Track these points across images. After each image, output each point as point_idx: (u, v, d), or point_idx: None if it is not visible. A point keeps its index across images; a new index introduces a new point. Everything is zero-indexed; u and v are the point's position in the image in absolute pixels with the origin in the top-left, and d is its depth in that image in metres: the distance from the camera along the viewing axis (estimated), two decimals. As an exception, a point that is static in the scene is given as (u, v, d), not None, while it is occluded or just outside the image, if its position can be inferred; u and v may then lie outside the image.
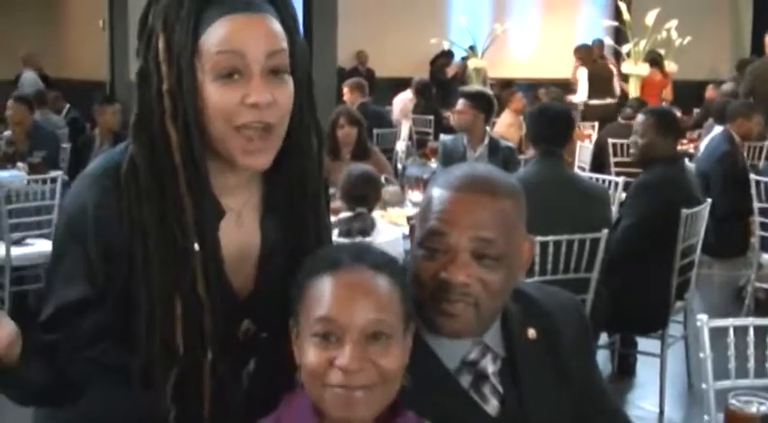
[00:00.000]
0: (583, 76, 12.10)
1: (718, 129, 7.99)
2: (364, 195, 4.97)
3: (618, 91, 12.43)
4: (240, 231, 1.84)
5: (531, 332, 1.93)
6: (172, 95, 1.68)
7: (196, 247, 1.72)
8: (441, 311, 1.79)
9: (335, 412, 1.63)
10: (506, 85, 11.96)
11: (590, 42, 13.64)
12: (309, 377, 1.64)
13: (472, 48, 14.51)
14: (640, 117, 5.46)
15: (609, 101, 11.90)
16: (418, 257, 1.82)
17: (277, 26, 1.72)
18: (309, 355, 1.63)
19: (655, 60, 12.22)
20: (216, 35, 1.67)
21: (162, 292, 1.71)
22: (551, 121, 4.82)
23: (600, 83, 12.04)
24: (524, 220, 1.89)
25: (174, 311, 1.71)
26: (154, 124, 1.70)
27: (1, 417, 2.88)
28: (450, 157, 6.71)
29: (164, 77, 1.68)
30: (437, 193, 1.84)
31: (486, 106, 6.67)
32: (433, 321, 1.80)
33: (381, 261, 1.70)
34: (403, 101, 12.39)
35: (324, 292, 1.64)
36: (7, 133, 8.41)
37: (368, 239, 4.46)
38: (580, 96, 11.63)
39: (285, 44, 1.73)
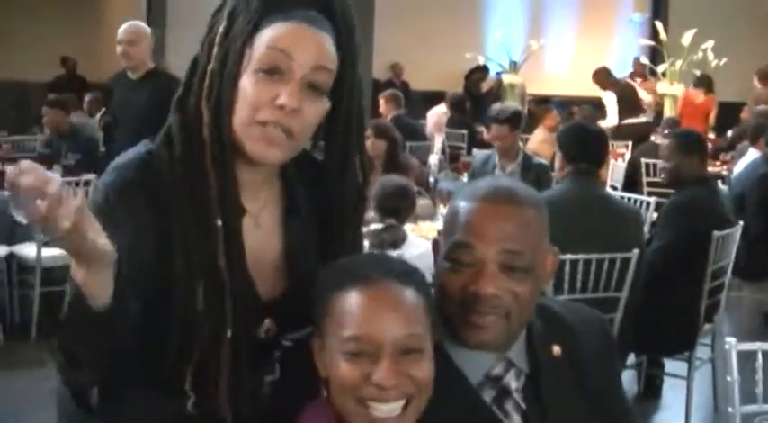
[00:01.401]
0: (610, 100, 11.97)
1: (752, 152, 7.96)
2: (396, 207, 4.98)
3: (646, 105, 12.30)
4: (259, 232, 1.86)
5: (557, 349, 1.92)
6: (212, 76, 1.74)
7: (219, 223, 1.74)
8: (470, 324, 1.79)
9: None
10: (542, 102, 11.94)
11: (631, 60, 13.52)
12: (341, 391, 1.64)
13: (514, 64, 14.49)
14: (665, 141, 5.49)
15: (643, 119, 11.81)
16: (445, 271, 1.83)
17: (331, 46, 1.78)
18: (342, 370, 1.63)
19: (701, 81, 12.06)
20: (273, 32, 1.73)
21: (188, 266, 1.74)
22: (586, 139, 4.82)
23: (628, 102, 11.94)
24: (548, 231, 1.89)
25: (196, 289, 1.74)
26: (190, 104, 1.78)
27: None
28: (480, 174, 6.71)
29: (212, 58, 1.76)
30: (462, 205, 1.85)
31: (517, 122, 6.66)
32: (462, 334, 1.80)
33: (406, 272, 1.71)
34: (437, 115, 12.39)
35: (353, 309, 1.64)
36: (42, 136, 8.50)
37: (398, 252, 4.46)
38: (610, 121, 11.50)
39: (334, 67, 1.78)
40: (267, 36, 1.73)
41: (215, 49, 1.76)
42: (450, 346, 1.82)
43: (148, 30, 6.75)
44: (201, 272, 1.74)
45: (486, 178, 2.01)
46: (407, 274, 1.71)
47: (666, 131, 9.05)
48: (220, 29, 1.76)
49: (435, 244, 1.91)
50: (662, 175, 5.59)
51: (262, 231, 1.88)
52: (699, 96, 12.19)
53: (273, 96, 1.71)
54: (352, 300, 1.65)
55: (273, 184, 1.91)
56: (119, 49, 6.51)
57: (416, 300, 1.67)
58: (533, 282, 1.82)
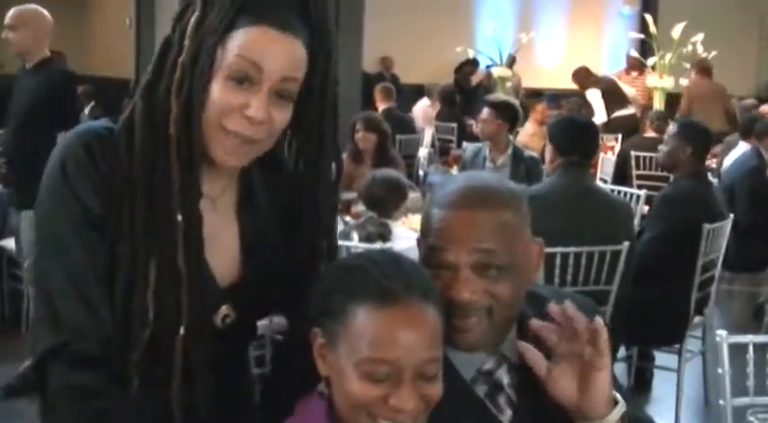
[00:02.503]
0: (595, 97, 11.89)
1: (743, 145, 7.97)
2: (381, 199, 4.97)
3: (630, 98, 12.24)
4: (216, 217, 1.84)
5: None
6: (183, 69, 1.70)
7: (179, 218, 1.72)
8: (454, 328, 1.77)
9: None
10: (534, 95, 11.92)
11: (621, 53, 13.45)
12: (352, 405, 1.62)
13: (510, 57, 14.48)
14: (672, 126, 5.54)
15: (631, 110, 11.79)
16: None
17: (302, 54, 1.74)
18: (355, 386, 1.60)
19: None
20: (245, 38, 1.69)
21: (141, 256, 1.71)
22: (577, 132, 4.82)
23: (613, 95, 11.91)
24: (528, 224, 1.87)
25: (148, 277, 1.71)
26: (159, 95, 1.73)
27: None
28: (470, 167, 6.72)
29: (184, 50, 1.71)
30: (434, 211, 1.83)
31: (510, 116, 6.66)
32: (450, 338, 1.77)
33: (427, 287, 1.67)
34: (422, 108, 12.39)
35: (376, 329, 1.60)
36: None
37: (388, 245, 4.46)
38: (599, 117, 11.43)
39: (301, 74, 1.75)
40: (238, 42, 1.68)
41: (187, 41, 1.71)
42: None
43: (40, 14, 5.99)
44: (155, 265, 1.72)
45: (457, 178, 1.99)
46: (428, 290, 1.66)
47: (656, 123, 9.07)
48: (193, 18, 1.72)
49: (419, 243, 1.90)
50: (657, 156, 5.63)
51: (219, 216, 1.86)
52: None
53: (242, 104, 1.69)
54: (375, 317, 1.61)
55: (234, 171, 1.88)
56: (2, 34, 6.02)
57: (436, 319, 1.65)
58: (514, 278, 1.80)
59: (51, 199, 1.74)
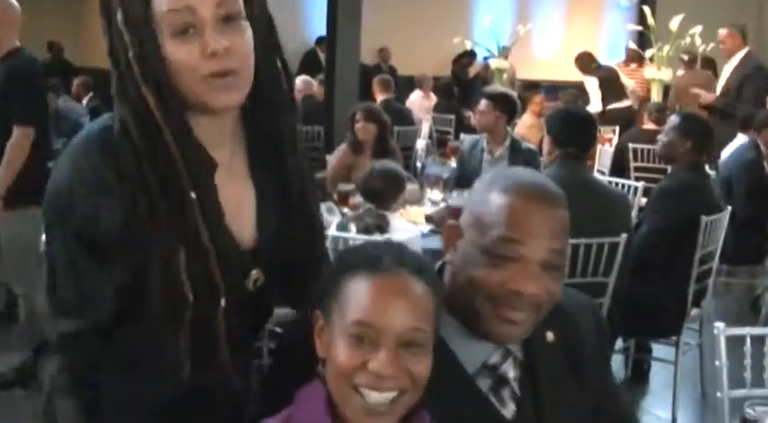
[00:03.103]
0: (592, 85, 11.85)
1: (741, 137, 7.97)
2: (379, 190, 4.97)
3: (629, 91, 12.21)
4: (234, 183, 1.88)
5: (550, 335, 1.93)
6: (138, 61, 1.74)
7: (193, 196, 1.75)
8: (503, 319, 1.78)
9: (357, 419, 1.64)
10: (531, 87, 11.90)
11: (619, 45, 13.39)
12: (338, 375, 1.65)
13: (505, 48, 14.46)
14: (673, 117, 5.53)
15: (627, 103, 11.77)
16: (480, 264, 1.79)
17: None
18: (341, 353, 1.63)
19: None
20: None
21: (167, 244, 1.74)
22: (575, 124, 4.82)
23: (611, 87, 11.88)
24: None
25: (178, 263, 1.74)
26: (131, 92, 1.76)
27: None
28: (468, 158, 6.72)
29: (128, 46, 1.75)
30: (503, 199, 1.81)
31: (508, 108, 6.64)
32: (490, 327, 1.79)
33: (421, 266, 1.70)
34: (417, 100, 12.39)
35: (363, 294, 1.64)
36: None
37: (386, 236, 4.46)
38: (594, 106, 11.39)
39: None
40: (161, 1, 1.73)
41: (126, 38, 1.75)
42: (447, 334, 1.81)
43: (8, 5, 5.63)
44: (183, 249, 1.74)
45: (517, 170, 1.96)
46: (422, 269, 1.69)
47: (654, 115, 9.06)
48: (118, 16, 1.76)
49: (453, 231, 1.88)
50: (656, 147, 5.63)
51: (236, 179, 1.90)
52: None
53: (200, 49, 1.73)
54: (363, 284, 1.65)
55: (237, 134, 1.92)
56: None
57: (427, 296, 1.67)
58: (562, 278, 1.84)
59: (56, 221, 1.80)
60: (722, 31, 9.45)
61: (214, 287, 1.77)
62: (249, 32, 1.80)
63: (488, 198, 1.83)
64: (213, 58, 1.72)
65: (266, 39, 1.87)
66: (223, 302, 1.78)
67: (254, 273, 1.89)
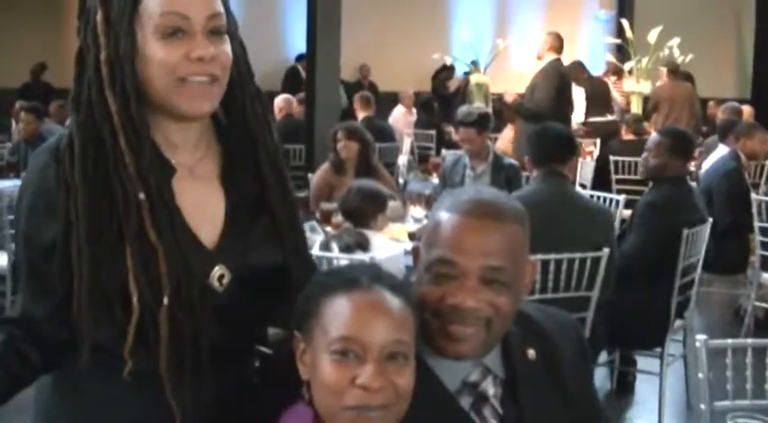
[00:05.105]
0: (578, 96, 11.83)
1: (722, 147, 8.01)
2: (356, 208, 4.97)
3: (616, 107, 12.25)
4: (197, 184, 1.92)
5: (531, 353, 1.93)
6: (109, 63, 1.80)
7: (141, 196, 1.79)
8: (449, 335, 1.80)
9: None
10: (510, 101, 11.90)
11: (597, 58, 13.43)
12: (327, 395, 1.66)
13: (474, 63, 14.51)
14: (655, 136, 5.51)
15: (609, 118, 11.80)
16: (425, 281, 1.83)
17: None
18: (327, 372, 1.66)
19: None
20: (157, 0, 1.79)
21: (110, 241, 1.79)
22: (553, 140, 4.85)
23: (599, 100, 11.92)
24: (528, 243, 1.90)
25: (124, 258, 1.78)
26: (92, 96, 1.81)
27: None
28: (450, 175, 6.72)
29: (101, 48, 1.80)
30: (444, 217, 1.85)
31: (485, 124, 6.64)
32: (439, 344, 1.81)
33: (397, 283, 1.75)
34: (399, 116, 12.42)
35: (344, 311, 1.67)
36: (8, 144, 8.41)
37: (368, 254, 4.46)
38: (577, 117, 11.39)
39: (223, 9, 1.86)
40: (154, 4, 1.78)
41: (101, 39, 1.80)
42: (426, 353, 1.82)
43: None
44: (128, 245, 1.79)
45: (468, 189, 2.01)
46: (398, 285, 1.74)
47: (633, 126, 9.10)
48: (98, 18, 1.80)
49: (415, 251, 1.92)
50: (640, 168, 5.63)
51: (200, 182, 1.93)
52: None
53: (186, 52, 1.78)
54: (343, 303, 1.68)
55: (212, 144, 1.97)
56: None
57: (405, 310, 1.71)
58: (513, 293, 1.84)
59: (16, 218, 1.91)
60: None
61: (158, 285, 1.79)
62: (230, 46, 1.87)
63: (435, 217, 1.88)
64: (198, 62, 1.79)
65: (239, 57, 1.93)
66: (166, 301, 1.79)
67: (218, 268, 1.89)
